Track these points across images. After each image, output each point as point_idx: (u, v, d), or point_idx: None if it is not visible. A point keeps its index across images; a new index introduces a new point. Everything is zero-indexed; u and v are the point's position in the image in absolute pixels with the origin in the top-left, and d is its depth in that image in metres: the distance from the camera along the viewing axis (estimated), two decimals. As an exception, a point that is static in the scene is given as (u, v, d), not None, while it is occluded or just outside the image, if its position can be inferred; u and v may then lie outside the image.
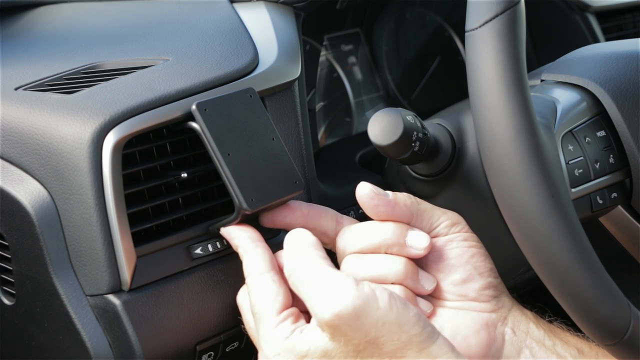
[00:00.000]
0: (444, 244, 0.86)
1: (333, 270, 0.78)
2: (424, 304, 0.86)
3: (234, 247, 0.84)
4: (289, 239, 0.81)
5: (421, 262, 0.86)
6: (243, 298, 0.84)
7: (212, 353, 0.87)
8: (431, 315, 0.86)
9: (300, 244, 0.80)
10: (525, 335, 0.86)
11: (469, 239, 0.87)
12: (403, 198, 0.85)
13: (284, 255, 0.81)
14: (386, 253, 0.84)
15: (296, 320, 0.79)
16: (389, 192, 0.85)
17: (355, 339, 0.75)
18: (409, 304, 0.77)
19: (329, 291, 0.75)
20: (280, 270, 0.82)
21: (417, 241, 0.84)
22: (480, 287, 0.86)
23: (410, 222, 0.85)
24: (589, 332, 0.79)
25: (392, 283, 0.84)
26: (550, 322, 0.89)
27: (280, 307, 0.79)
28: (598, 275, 0.76)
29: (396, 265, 0.83)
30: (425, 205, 0.86)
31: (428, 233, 0.85)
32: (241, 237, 0.83)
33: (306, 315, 0.81)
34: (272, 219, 0.86)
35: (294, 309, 0.80)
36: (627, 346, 0.78)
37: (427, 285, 0.85)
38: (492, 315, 0.86)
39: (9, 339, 0.90)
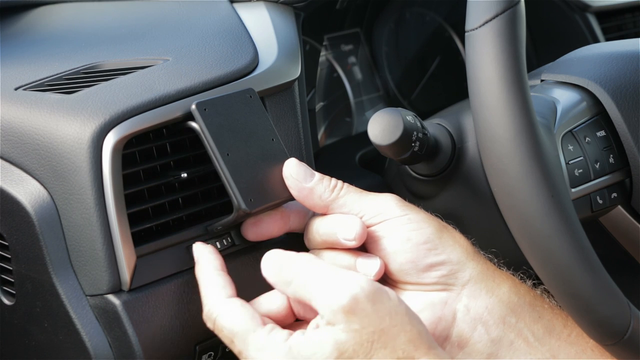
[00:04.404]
0: (372, 237, 0.84)
1: (338, 268, 0.78)
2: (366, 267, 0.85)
3: (196, 270, 0.83)
4: (269, 261, 0.80)
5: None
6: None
7: (212, 353, 0.87)
8: None
9: (288, 256, 0.80)
10: (483, 311, 0.83)
11: (396, 226, 0.84)
12: (321, 189, 0.84)
13: (267, 275, 0.80)
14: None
15: (284, 328, 0.78)
16: (314, 178, 0.84)
17: (370, 326, 0.74)
18: (411, 309, 0.77)
19: (344, 279, 0.75)
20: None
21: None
22: (419, 271, 0.83)
23: (326, 212, 0.85)
24: (588, 332, 0.79)
25: None
26: (535, 286, 0.86)
27: (261, 322, 0.78)
28: (598, 275, 0.76)
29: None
30: (345, 199, 0.85)
31: None
32: (205, 263, 0.82)
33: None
34: (258, 233, 0.86)
35: (274, 324, 0.79)
36: (627, 346, 0.78)
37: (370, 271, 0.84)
38: (441, 294, 0.84)
39: (9, 339, 0.90)
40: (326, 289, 0.76)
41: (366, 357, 0.74)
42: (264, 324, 0.78)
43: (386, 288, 0.77)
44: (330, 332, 0.75)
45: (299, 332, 0.77)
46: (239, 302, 0.79)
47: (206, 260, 0.82)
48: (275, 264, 0.80)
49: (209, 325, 0.80)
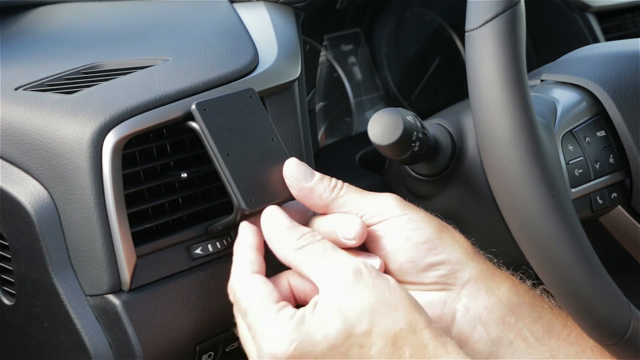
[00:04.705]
0: (372, 236, 0.85)
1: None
2: None
3: (234, 245, 0.83)
4: (271, 222, 0.82)
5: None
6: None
7: (212, 353, 0.87)
8: None
9: (291, 225, 0.81)
10: (482, 311, 0.83)
11: (396, 225, 0.84)
12: (321, 189, 0.85)
13: (268, 236, 0.81)
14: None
15: (295, 307, 0.78)
16: (314, 178, 0.85)
17: (372, 297, 0.75)
18: None
19: (345, 255, 0.78)
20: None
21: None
22: (419, 271, 0.84)
23: (326, 211, 0.85)
24: (588, 332, 0.79)
25: None
26: (535, 286, 0.86)
27: (277, 300, 0.78)
28: (598, 275, 0.76)
29: None
30: (345, 199, 0.85)
31: None
32: (244, 240, 0.83)
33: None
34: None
35: (287, 303, 0.79)
36: (627, 346, 0.78)
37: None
38: (441, 293, 0.84)
39: (9, 339, 0.90)
40: (330, 263, 0.77)
41: (369, 327, 0.75)
42: (279, 301, 0.78)
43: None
44: (333, 302, 0.76)
45: (302, 310, 0.77)
46: (261, 279, 0.80)
47: (245, 237, 0.83)
48: (277, 228, 0.81)
49: (230, 297, 0.81)
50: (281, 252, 0.81)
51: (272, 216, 0.82)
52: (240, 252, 0.82)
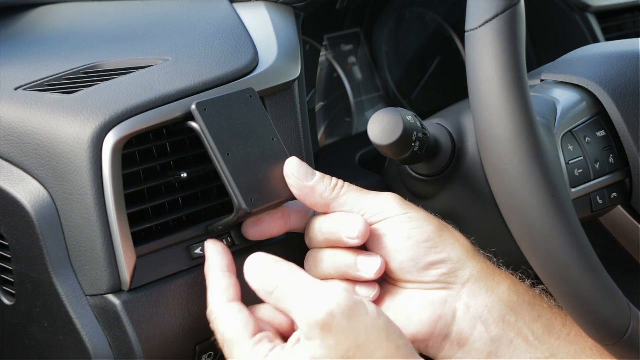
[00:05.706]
0: (373, 235, 0.84)
1: (318, 280, 0.78)
2: (365, 290, 0.85)
3: (205, 269, 0.83)
4: (252, 268, 0.80)
5: None
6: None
7: (212, 353, 0.87)
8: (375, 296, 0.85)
9: (269, 264, 0.79)
10: (483, 310, 0.83)
11: (397, 224, 0.84)
12: (322, 188, 0.85)
13: (249, 281, 0.80)
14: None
15: (272, 340, 0.78)
16: (315, 177, 0.85)
17: (345, 342, 0.74)
18: (392, 320, 0.77)
19: (321, 294, 0.75)
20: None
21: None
22: (420, 269, 0.84)
23: (327, 210, 0.85)
24: (589, 332, 0.79)
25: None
26: (534, 285, 0.86)
27: (254, 331, 0.78)
28: (598, 275, 0.76)
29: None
30: (346, 198, 0.85)
31: None
32: (213, 264, 0.82)
33: (281, 337, 0.80)
34: (258, 233, 0.86)
35: (267, 333, 0.79)
36: (627, 346, 0.78)
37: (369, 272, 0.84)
38: (442, 292, 0.84)
39: (9, 339, 0.90)
40: (304, 303, 0.75)
41: None
42: (256, 333, 0.78)
43: (365, 302, 0.76)
44: (306, 347, 0.75)
45: (279, 347, 0.77)
46: (237, 308, 0.80)
47: (214, 259, 0.83)
48: (257, 270, 0.80)
49: (211, 325, 0.81)
50: (262, 295, 0.80)
51: (255, 259, 0.81)
52: (213, 277, 0.82)
